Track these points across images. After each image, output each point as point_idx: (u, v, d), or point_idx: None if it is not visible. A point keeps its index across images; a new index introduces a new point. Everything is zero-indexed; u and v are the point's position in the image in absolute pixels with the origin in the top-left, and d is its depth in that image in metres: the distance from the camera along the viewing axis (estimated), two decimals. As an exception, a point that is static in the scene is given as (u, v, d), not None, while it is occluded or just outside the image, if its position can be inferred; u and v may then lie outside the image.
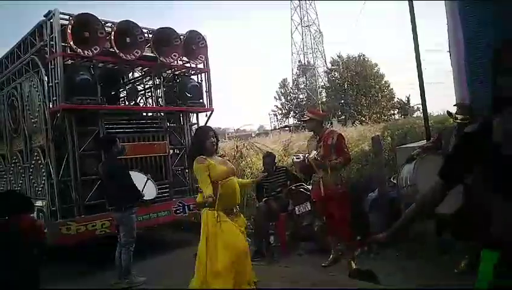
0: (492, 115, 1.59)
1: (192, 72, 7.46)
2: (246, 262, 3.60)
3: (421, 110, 4.97)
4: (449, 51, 5.56)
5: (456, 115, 3.98)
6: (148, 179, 5.40)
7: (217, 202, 3.46)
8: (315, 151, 4.64)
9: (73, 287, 5.07)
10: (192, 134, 7.31)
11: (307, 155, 4.70)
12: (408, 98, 39.53)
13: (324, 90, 46.55)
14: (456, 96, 5.35)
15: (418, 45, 4.77)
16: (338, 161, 4.54)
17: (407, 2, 4.99)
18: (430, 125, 5.21)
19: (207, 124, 7.21)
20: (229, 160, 4.44)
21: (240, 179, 4.27)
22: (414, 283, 4.05)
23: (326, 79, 46.84)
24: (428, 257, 4.64)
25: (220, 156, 4.00)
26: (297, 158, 4.82)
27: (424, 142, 4.88)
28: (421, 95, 4.77)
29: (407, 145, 6.14)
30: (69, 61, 6.10)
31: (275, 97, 49.42)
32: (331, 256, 4.94)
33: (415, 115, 28.94)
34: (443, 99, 42.08)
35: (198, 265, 3.53)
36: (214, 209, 3.49)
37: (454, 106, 4.07)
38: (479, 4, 4.70)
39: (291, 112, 47.22)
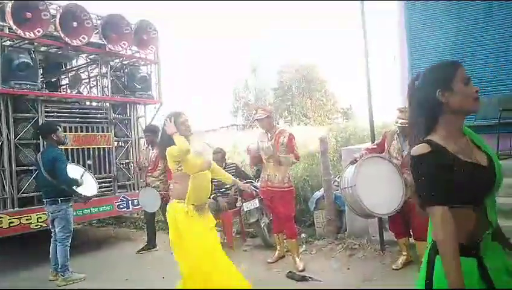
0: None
1: (142, 63, 7.24)
2: (219, 262, 3.41)
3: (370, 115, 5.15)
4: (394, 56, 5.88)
5: (397, 119, 4.18)
6: (84, 172, 5.08)
7: (187, 196, 3.33)
8: (271, 142, 4.68)
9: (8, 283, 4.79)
10: (139, 127, 7.12)
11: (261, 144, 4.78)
12: (350, 104, 41.01)
13: (273, 90, 46.99)
14: (402, 100, 5.65)
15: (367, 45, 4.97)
16: (289, 156, 4.61)
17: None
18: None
19: (155, 118, 7.07)
20: None
21: (223, 171, 4.11)
22: (356, 279, 4.21)
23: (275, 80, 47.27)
24: (370, 254, 4.86)
25: None
26: (253, 145, 4.91)
27: (368, 144, 5.07)
28: (368, 98, 4.98)
29: (352, 147, 6.37)
30: (8, 42, 5.67)
31: (223, 95, 49.22)
32: (276, 253, 5.01)
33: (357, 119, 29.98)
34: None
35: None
36: (183, 202, 3.36)
37: (396, 110, 4.28)
38: (424, 8, 4.96)
39: (239, 111, 47.16)
